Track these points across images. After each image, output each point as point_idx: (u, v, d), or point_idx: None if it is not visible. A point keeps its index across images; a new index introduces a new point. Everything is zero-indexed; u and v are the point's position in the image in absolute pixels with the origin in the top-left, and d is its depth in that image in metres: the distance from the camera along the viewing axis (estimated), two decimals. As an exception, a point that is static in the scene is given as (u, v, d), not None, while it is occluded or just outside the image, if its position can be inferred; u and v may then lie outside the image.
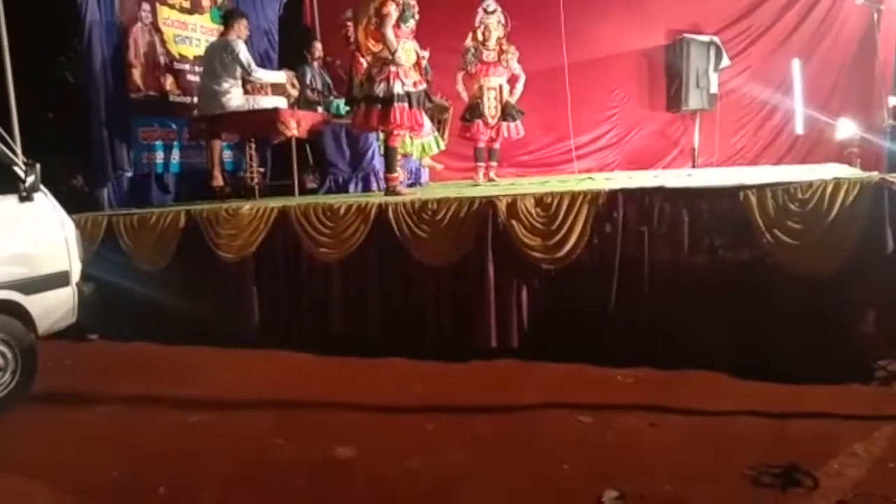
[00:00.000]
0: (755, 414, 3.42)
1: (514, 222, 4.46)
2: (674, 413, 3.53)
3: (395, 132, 5.51)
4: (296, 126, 6.45)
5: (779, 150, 8.02)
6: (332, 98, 7.72)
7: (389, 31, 5.25)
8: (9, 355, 4.01)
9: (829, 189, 3.89)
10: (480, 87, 6.89)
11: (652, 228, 4.27)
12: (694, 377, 4.00)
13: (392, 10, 5.24)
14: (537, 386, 4.08)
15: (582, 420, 3.53)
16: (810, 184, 3.95)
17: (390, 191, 5.55)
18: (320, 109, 7.38)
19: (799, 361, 3.80)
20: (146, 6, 7.05)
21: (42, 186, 4.24)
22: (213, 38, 7.03)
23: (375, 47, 5.42)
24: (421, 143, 6.81)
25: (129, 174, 6.86)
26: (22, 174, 4.09)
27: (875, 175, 4.02)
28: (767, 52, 8.00)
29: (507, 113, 6.96)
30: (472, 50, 6.85)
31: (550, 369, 4.30)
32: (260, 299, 5.27)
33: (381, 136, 6.39)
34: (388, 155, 5.70)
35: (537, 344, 4.49)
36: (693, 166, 8.05)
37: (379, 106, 5.43)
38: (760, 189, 4.03)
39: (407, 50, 5.40)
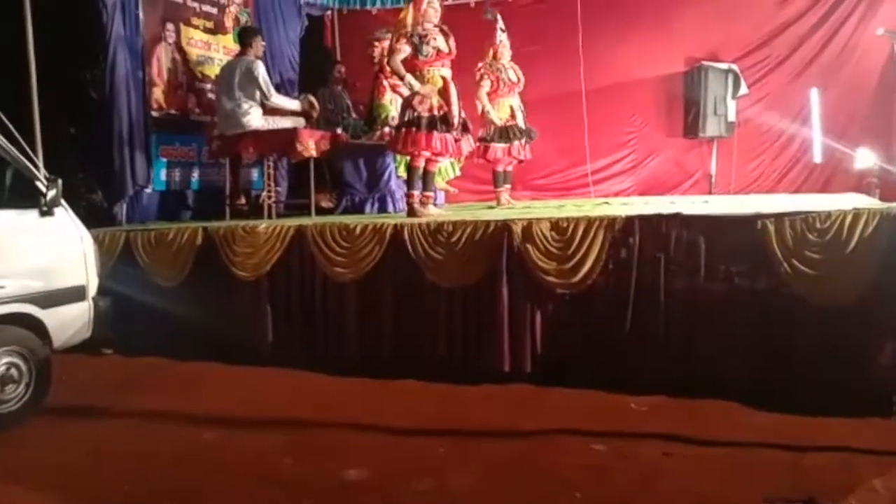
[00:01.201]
0: (771, 445, 3.37)
1: (529, 246, 4.46)
2: (688, 442, 3.49)
3: (416, 153, 5.54)
4: (314, 146, 6.49)
5: (796, 179, 7.95)
6: (351, 119, 7.78)
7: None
8: (24, 368, 4.03)
9: (848, 219, 3.87)
10: (511, 107, 6.84)
11: (668, 255, 4.25)
12: (709, 406, 3.95)
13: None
14: (550, 411, 4.06)
15: (595, 447, 3.49)
16: (829, 214, 3.92)
17: (409, 208, 5.60)
18: (339, 130, 7.43)
19: (816, 393, 3.75)
20: (170, 26, 7.15)
21: (62, 201, 4.29)
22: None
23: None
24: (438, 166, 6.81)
25: (149, 191, 6.93)
26: (43, 189, 4.14)
27: (895, 206, 3.98)
28: (786, 81, 7.96)
29: (528, 134, 6.94)
30: (503, 68, 6.79)
31: (563, 395, 4.27)
32: (274, 318, 5.27)
33: (399, 157, 6.43)
34: (409, 174, 5.76)
35: (551, 369, 4.46)
36: (710, 193, 8.02)
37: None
38: (778, 218, 4.01)
39: (430, 77, 5.43)
